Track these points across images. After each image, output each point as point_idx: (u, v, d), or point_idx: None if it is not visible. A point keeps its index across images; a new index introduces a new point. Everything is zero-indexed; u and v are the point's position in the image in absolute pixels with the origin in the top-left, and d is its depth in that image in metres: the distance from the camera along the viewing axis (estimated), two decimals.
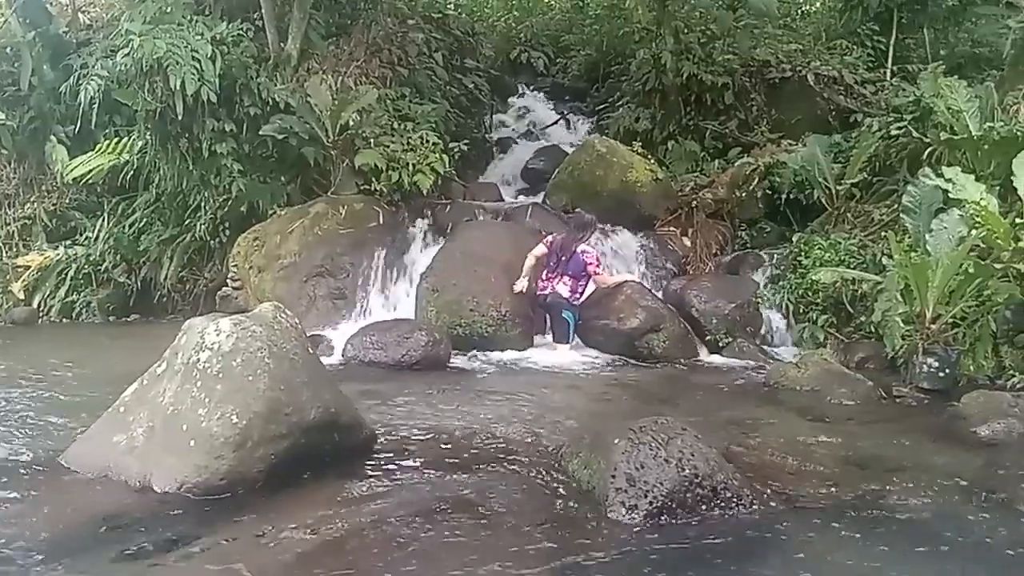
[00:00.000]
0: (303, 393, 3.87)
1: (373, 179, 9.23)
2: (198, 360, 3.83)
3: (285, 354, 3.90)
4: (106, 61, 9.30)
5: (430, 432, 4.79)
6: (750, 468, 4.12)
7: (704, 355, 7.74)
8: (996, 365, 6.32)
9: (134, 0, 9.30)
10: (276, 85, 9.40)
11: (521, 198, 11.00)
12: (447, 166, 9.59)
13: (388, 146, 9.31)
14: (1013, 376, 6.13)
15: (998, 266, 6.26)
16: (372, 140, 9.32)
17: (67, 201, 11.26)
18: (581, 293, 7.83)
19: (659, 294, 8.33)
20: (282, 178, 9.56)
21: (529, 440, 4.67)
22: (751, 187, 9.57)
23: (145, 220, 10.51)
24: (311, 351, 4.24)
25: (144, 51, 8.29)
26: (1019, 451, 4.64)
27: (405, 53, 10.83)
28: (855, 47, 11.58)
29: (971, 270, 6.10)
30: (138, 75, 8.76)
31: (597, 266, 7.82)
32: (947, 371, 6.23)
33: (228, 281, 8.98)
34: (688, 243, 9.46)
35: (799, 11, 14.16)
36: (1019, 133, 7.11)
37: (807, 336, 7.65)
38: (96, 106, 9.43)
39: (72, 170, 10.37)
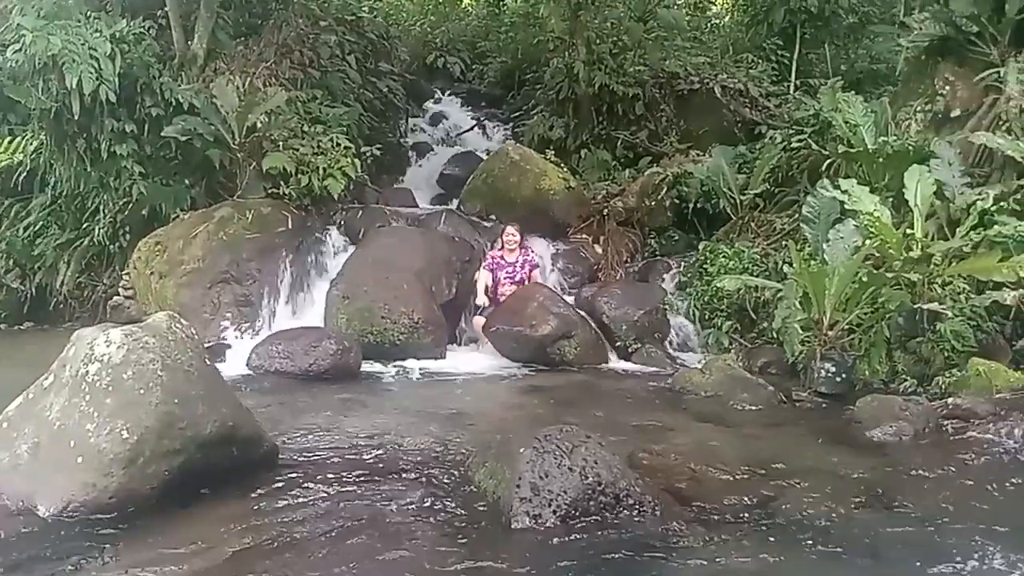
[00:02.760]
0: (199, 407, 3.75)
1: (282, 183, 9.04)
2: (87, 372, 3.67)
3: (180, 366, 3.76)
4: None
5: (336, 444, 4.71)
6: (653, 473, 4.18)
7: (614, 361, 7.84)
8: (890, 370, 6.56)
9: None
10: (180, 85, 9.12)
11: (437, 204, 10.95)
12: (359, 170, 9.48)
13: (298, 149, 9.14)
14: (905, 380, 6.37)
15: (890, 275, 6.52)
16: (281, 143, 9.14)
17: None
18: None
19: (571, 301, 8.40)
20: (186, 181, 9.26)
21: (437, 450, 4.64)
22: (660, 196, 9.80)
23: (40, 223, 10.04)
24: (208, 362, 4.11)
25: (38, 47, 7.91)
26: (908, 453, 4.83)
27: (317, 55, 10.68)
28: (761, 61, 12.00)
29: (865, 278, 6.35)
30: (32, 72, 8.36)
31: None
32: (844, 376, 6.46)
33: (120, 289, 8.65)
34: (600, 250, 9.60)
35: (708, 25, 14.56)
36: (910, 147, 7.45)
37: (712, 342, 7.84)
38: None
39: None
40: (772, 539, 3.50)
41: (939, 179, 7.02)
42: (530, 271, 8.41)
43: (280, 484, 4.02)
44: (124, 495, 3.51)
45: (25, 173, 9.86)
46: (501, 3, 16.98)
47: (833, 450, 4.91)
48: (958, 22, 7.97)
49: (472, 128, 13.74)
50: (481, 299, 8.23)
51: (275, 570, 3.10)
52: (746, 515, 3.76)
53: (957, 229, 6.72)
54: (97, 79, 8.08)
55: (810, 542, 3.47)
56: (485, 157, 11.03)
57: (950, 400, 5.62)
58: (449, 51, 15.39)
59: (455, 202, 10.43)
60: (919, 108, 8.34)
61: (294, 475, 4.15)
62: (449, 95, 14.98)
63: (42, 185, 9.96)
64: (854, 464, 4.58)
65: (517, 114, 13.52)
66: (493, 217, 9.57)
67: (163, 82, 8.94)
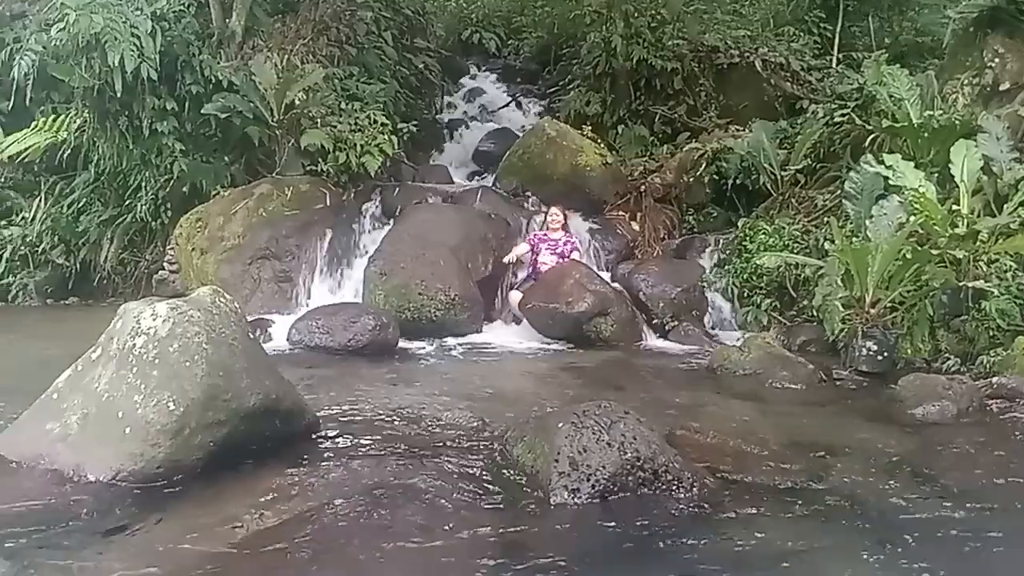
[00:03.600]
0: (242, 379, 3.80)
1: (320, 160, 9.09)
2: (134, 345, 3.74)
3: (224, 339, 3.82)
4: (41, 35, 8.97)
5: (375, 417, 4.75)
6: (692, 450, 4.16)
7: (651, 339, 7.81)
8: (932, 348, 6.45)
9: None
10: (219, 63, 9.19)
11: (473, 181, 10.94)
12: (396, 147, 9.50)
13: (335, 126, 9.17)
14: (948, 359, 6.27)
15: (935, 252, 6.40)
16: (319, 120, 9.17)
17: (2, 180, 10.87)
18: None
19: (607, 277, 8.37)
20: (225, 158, 9.37)
21: (475, 425, 4.67)
22: (699, 172, 9.67)
23: (84, 200, 10.24)
24: (251, 336, 4.17)
25: (81, 26, 8.02)
26: (951, 432, 4.77)
27: (353, 31, 10.67)
28: (802, 34, 11.73)
29: (909, 255, 6.24)
30: (75, 51, 8.48)
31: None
32: (885, 354, 6.37)
33: (165, 264, 8.82)
34: (637, 227, 9.55)
35: None
36: (957, 122, 7.27)
37: (751, 320, 7.77)
38: (31, 82, 9.11)
39: (7, 148, 10.05)
40: (811, 517, 3.48)
41: (986, 154, 6.86)
42: (571, 250, 8.43)
43: (321, 456, 4.08)
44: (170, 465, 3.58)
45: (69, 151, 10.03)
46: None
47: (874, 428, 4.86)
48: None
49: (508, 104, 13.67)
50: (509, 257, 8.41)
51: (316, 540, 3.15)
52: (785, 492, 3.75)
53: (1005, 205, 6.57)
54: (139, 57, 8.19)
55: (850, 520, 3.45)
56: (521, 133, 11.00)
57: (994, 379, 5.54)
58: (485, 26, 15.28)
59: (491, 179, 10.41)
60: (966, 81, 8.13)
61: (335, 448, 4.21)
62: (485, 71, 14.90)
63: (85, 162, 10.13)
64: (895, 443, 4.53)
65: (553, 89, 13.39)
66: (529, 194, 9.55)
67: (203, 60, 9.03)
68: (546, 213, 8.78)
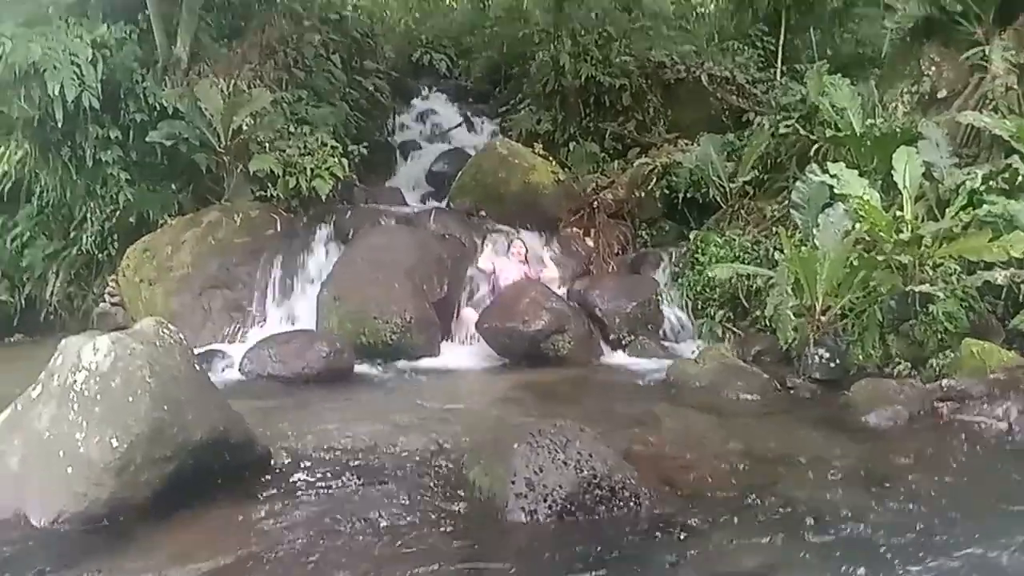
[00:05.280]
0: (188, 412, 3.71)
1: (269, 185, 8.97)
2: (74, 381, 3.63)
3: (168, 372, 3.73)
4: None
5: (329, 446, 4.66)
6: (649, 465, 4.16)
7: (608, 354, 7.83)
8: (883, 353, 6.53)
9: (6, 0, 8.79)
10: (164, 89, 9.05)
11: (426, 202, 10.90)
12: (347, 170, 9.42)
13: (284, 150, 9.06)
14: (899, 363, 6.35)
15: (881, 258, 6.50)
16: (267, 145, 9.06)
17: None
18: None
19: (563, 293, 8.38)
20: (173, 186, 9.20)
21: (431, 449, 4.61)
22: (650, 187, 9.76)
23: (28, 234, 9.94)
24: (198, 367, 4.07)
25: (18, 55, 7.84)
26: (903, 437, 4.83)
27: (301, 55, 10.61)
28: (746, 48, 11.98)
29: (856, 262, 6.33)
30: (13, 80, 8.27)
31: None
32: (838, 361, 6.45)
33: (106, 296, 8.60)
34: (591, 243, 9.58)
35: (693, 13, 14.53)
36: (898, 130, 7.45)
37: (706, 331, 7.83)
38: None
39: None
40: (767, 527, 3.49)
41: (927, 160, 7.01)
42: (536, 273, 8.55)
43: (273, 489, 3.99)
44: (116, 504, 3.47)
45: (10, 184, 9.76)
46: None
47: (828, 436, 4.91)
48: (942, 2, 7.98)
49: (459, 124, 13.67)
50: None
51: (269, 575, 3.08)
52: (742, 504, 3.75)
53: (947, 210, 6.70)
54: (79, 85, 8.02)
55: (805, 529, 3.46)
56: (473, 153, 10.99)
57: (944, 382, 5.60)
58: (434, 47, 15.31)
59: (445, 200, 10.38)
60: (905, 90, 8.35)
61: (287, 479, 4.12)
62: (436, 92, 14.86)
63: (28, 195, 9.86)
64: (849, 449, 4.58)
65: (504, 109, 13.44)
66: (483, 213, 9.55)
67: (146, 87, 8.87)
68: (509, 243, 8.77)
